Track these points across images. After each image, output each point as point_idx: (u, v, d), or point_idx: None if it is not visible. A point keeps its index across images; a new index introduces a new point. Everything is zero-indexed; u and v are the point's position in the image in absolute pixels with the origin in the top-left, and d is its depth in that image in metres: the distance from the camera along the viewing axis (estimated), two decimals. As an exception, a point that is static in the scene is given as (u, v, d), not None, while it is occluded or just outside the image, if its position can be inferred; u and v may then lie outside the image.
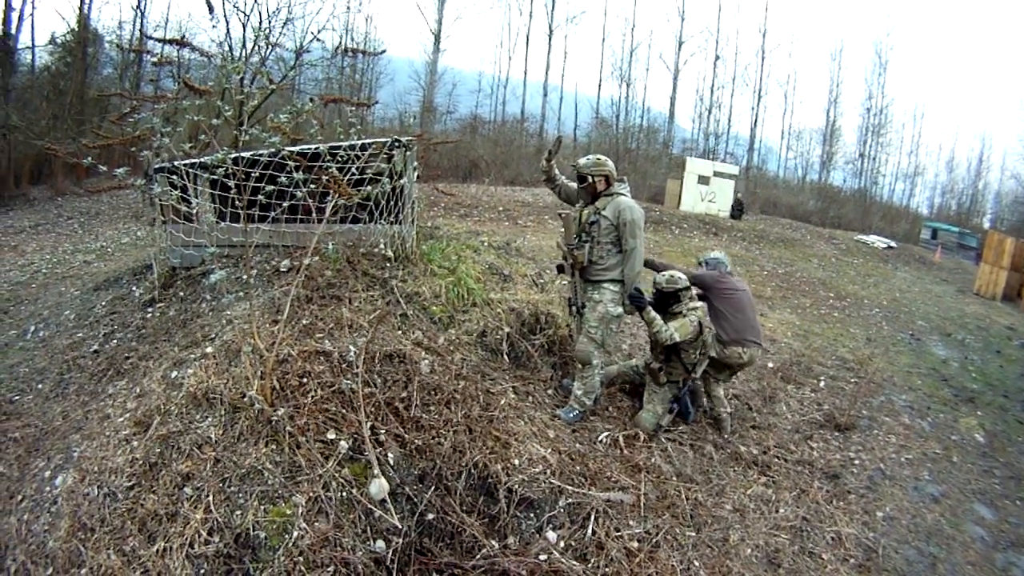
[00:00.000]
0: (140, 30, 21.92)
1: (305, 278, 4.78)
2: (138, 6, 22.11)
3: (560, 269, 5.36)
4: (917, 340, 11.58)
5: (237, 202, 3.59)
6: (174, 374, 4.03)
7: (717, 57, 41.78)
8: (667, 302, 5.42)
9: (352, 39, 31.77)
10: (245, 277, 5.16)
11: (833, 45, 66.73)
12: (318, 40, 20.10)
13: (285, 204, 3.81)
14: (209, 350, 4.10)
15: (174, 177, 5.29)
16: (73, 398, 4.73)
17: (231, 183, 3.62)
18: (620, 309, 5.03)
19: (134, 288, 6.24)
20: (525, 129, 37.29)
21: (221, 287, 5.26)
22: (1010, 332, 13.91)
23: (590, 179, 5.03)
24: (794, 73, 62.17)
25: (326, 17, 38.78)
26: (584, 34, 77.81)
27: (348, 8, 28.98)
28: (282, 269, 5.27)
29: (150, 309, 5.57)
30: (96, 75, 21.08)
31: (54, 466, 3.82)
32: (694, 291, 5.61)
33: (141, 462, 3.33)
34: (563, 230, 5.23)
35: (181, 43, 5.19)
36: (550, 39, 38.96)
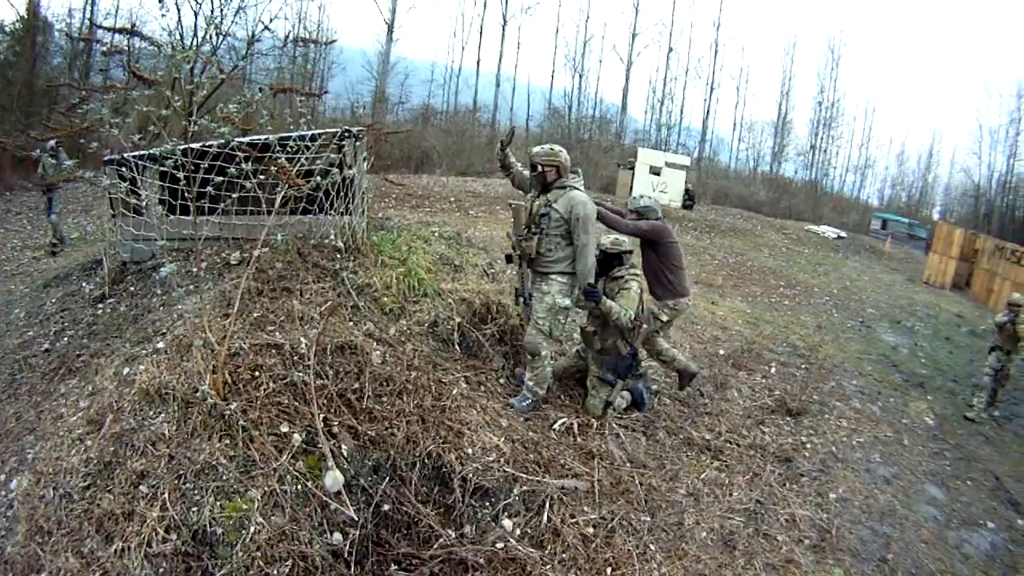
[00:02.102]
0: (90, 18, 21.28)
1: (256, 270, 4.73)
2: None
3: (509, 259, 5.37)
4: (867, 327, 11.92)
5: (186, 194, 3.54)
6: (126, 371, 3.95)
7: (671, 49, 42.44)
8: (610, 264, 5.47)
9: (305, 28, 31.36)
10: (195, 271, 5.09)
11: (786, 40, 68.04)
12: (269, 30, 19.63)
13: (235, 196, 3.76)
14: (160, 345, 4.03)
15: (123, 169, 5.18)
16: (25, 398, 4.62)
17: (180, 175, 3.58)
18: (568, 301, 5.05)
19: (84, 284, 6.10)
20: (477, 119, 37.41)
21: (172, 281, 5.17)
22: (959, 319, 14.41)
23: (540, 168, 5.03)
24: (747, 66, 63.68)
25: (279, 6, 38.07)
26: (538, 25, 78.10)
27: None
28: (232, 262, 5.21)
29: (101, 305, 5.46)
30: (45, 65, 20.36)
31: (9, 469, 3.72)
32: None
33: (96, 461, 3.27)
34: (512, 220, 5.24)
35: (131, 32, 5.10)
36: (504, 29, 39.09)
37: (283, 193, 4.05)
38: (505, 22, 38.85)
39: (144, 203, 5.23)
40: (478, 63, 39.14)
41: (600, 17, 75.48)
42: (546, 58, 68.10)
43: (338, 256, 5.40)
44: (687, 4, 70.11)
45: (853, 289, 15.91)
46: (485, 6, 39.26)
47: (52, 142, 9.78)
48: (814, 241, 24.55)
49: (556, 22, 51.70)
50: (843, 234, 27.90)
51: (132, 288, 5.48)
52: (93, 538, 2.95)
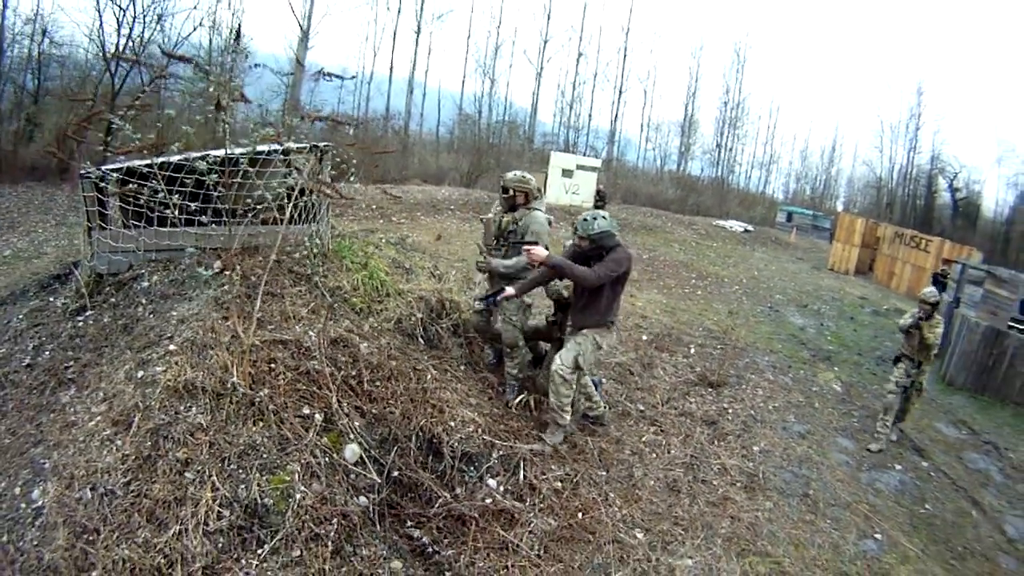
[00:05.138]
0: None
1: (241, 276, 5.16)
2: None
3: (480, 268, 6.04)
4: (776, 311, 13.05)
5: (219, 202, 3.99)
6: (140, 373, 4.21)
7: (580, 54, 43.63)
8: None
9: (219, 35, 30.74)
10: (181, 279, 5.42)
11: (694, 43, 70.60)
12: (181, 60, 19.23)
13: (244, 208, 4.26)
14: (172, 348, 4.35)
15: (101, 183, 5.46)
16: (15, 415, 4.64)
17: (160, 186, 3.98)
18: (530, 299, 5.81)
19: (51, 299, 6.20)
20: (391, 126, 37.37)
21: (155, 291, 5.46)
22: (862, 301, 15.83)
23: (512, 192, 5.74)
24: (654, 69, 65.73)
25: (200, 17, 36.85)
26: (450, 31, 78.11)
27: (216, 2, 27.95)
28: (215, 270, 5.58)
29: (80, 318, 5.59)
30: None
31: (23, 481, 3.73)
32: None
33: (133, 457, 3.44)
34: (483, 232, 5.95)
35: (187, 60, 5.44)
36: (417, 36, 39.09)
37: (292, 203, 4.55)
38: (419, 30, 38.95)
39: (114, 216, 5.51)
40: (391, 69, 38.94)
41: (511, 23, 76.28)
42: (457, 64, 68.35)
43: (308, 262, 5.89)
44: (597, 9, 72.16)
45: (761, 278, 17.15)
46: (399, 12, 39.14)
47: None
48: (722, 235, 26.01)
49: (468, 28, 51.92)
50: (750, 227, 29.54)
51: (113, 299, 5.65)
52: (145, 528, 3.14)
